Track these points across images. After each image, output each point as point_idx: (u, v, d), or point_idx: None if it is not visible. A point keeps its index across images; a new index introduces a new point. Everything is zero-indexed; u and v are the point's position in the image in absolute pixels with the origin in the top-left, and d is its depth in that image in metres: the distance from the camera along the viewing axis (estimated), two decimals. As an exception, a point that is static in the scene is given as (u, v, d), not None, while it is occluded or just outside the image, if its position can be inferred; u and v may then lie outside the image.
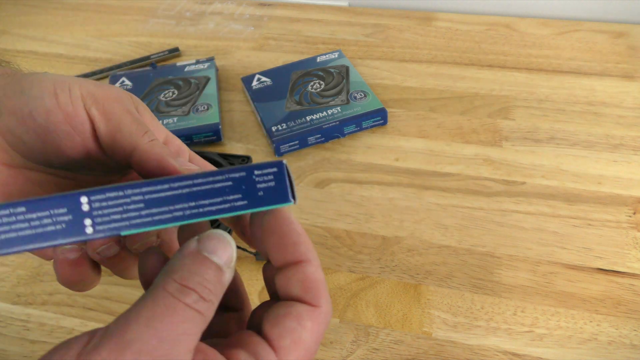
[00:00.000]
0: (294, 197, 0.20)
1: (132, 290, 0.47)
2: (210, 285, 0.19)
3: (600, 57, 0.70)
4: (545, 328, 0.43)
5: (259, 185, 0.20)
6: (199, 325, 0.18)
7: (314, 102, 0.63)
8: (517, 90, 0.66)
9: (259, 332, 0.20)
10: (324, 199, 0.55)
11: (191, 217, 0.20)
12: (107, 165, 0.28)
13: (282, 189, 0.20)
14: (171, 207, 0.20)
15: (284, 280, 0.21)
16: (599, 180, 0.54)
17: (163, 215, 0.20)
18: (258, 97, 0.65)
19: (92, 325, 0.45)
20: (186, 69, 0.70)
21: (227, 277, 0.20)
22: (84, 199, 0.19)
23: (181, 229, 0.25)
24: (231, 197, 0.20)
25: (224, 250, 0.20)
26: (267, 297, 0.46)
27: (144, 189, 0.19)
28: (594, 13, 0.78)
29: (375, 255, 0.49)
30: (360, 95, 0.63)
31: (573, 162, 0.56)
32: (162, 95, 0.66)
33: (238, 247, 0.49)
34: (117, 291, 0.47)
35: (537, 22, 0.77)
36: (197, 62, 0.71)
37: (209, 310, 0.19)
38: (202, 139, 0.61)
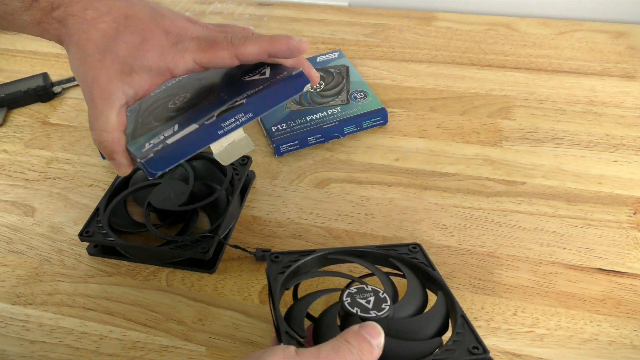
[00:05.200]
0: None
1: (130, 291, 0.47)
2: (366, 354, 0.31)
3: (601, 57, 0.70)
4: (546, 328, 0.43)
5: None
6: None
7: (314, 102, 0.63)
8: (517, 90, 0.66)
9: None
10: (324, 199, 0.54)
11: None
12: None
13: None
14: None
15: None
16: (599, 181, 0.54)
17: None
18: (258, 97, 0.65)
19: (92, 326, 0.45)
20: (186, 69, 0.70)
21: (377, 354, 0.32)
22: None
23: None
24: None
25: (379, 336, 0.32)
26: (266, 297, 0.46)
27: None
28: (594, 13, 0.78)
29: (375, 255, 0.49)
30: (360, 95, 0.63)
31: (573, 162, 0.56)
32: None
33: (238, 248, 0.49)
34: (116, 291, 0.47)
35: (537, 22, 0.77)
36: (197, 62, 0.71)
37: None
38: (202, 139, 0.61)
